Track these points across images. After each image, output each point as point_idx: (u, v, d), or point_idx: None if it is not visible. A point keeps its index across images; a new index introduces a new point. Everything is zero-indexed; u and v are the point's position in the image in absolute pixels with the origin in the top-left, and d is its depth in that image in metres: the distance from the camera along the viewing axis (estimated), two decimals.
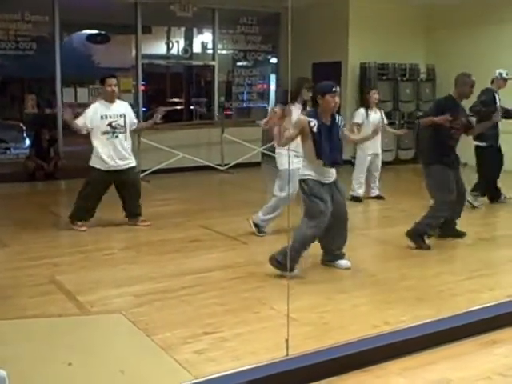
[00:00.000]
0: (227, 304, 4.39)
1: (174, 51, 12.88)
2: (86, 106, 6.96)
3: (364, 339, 3.63)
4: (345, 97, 11.99)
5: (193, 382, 3.19)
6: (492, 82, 8.07)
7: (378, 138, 8.24)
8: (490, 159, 7.90)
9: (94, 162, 6.57)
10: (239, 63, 12.93)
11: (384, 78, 11.92)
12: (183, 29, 13.17)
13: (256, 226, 6.32)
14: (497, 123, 7.57)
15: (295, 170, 5.27)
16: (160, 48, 12.87)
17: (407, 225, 5.94)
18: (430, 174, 5.96)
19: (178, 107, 13.85)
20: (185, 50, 12.78)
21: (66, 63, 10.94)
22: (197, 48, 13.07)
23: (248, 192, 9.13)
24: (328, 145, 4.91)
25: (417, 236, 5.86)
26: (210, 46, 12.61)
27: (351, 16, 11.73)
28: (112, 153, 6.50)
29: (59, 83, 10.79)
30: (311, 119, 4.91)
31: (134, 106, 11.40)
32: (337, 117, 5.08)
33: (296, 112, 5.92)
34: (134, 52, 11.57)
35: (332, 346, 3.54)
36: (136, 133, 7.19)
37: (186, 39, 13.10)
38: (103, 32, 12.44)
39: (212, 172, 10.80)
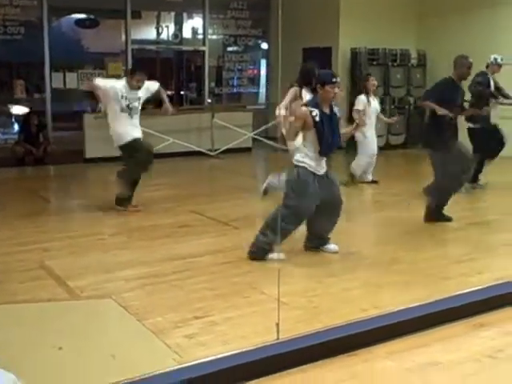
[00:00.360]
0: (217, 288, 4.40)
1: (164, 36, 12.80)
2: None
3: (353, 323, 3.65)
4: None
5: (183, 365, 3.21)
6: (487, 66, 8.13)
7: (373, 124, 8.32)
8: (481, 140, 7.96)
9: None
10: (230, 48, 12.87)
11: (375, 63, 11.90)
12: (173, 14, 13.07)
13: None
14: (488, 104, 7.74)
15: None
16: (150, 33, 12.78)
17: (398, 209, 5.98)
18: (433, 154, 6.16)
19: (168, 92, 13.77)
20: (175, 35, 12.70)
21: (54, 48, 10.85)
22: (187, 33, 12.98)
23: (238, 177, 9.12)
24: (329, 134, 4.94)
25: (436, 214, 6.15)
26: (200, 31, 12.53)
27: (342, 1, 11.67)
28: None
29: (48, 68, 10.71)
30: (313, 109, 4.92)
31: None
32: (334, 107, 5.11)
33: (308, 96, 6.01)
34: (123, 37, 11.47)
35: (321, 329, 3.56)
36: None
37: (176, 24, 13.01)
38: (92, 16, 12.31)
39: (202, 157, 10.77)
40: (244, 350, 3.33)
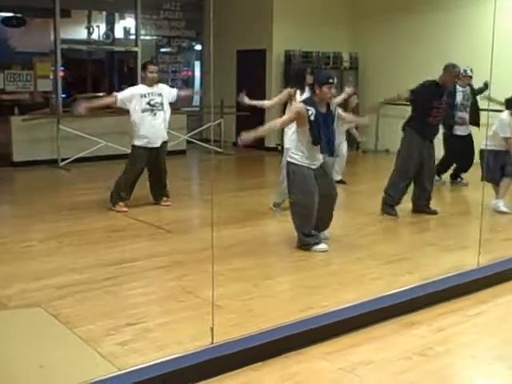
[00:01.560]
0: (151, 294, 4.34)
1: (95, 36, 12.52)
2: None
3: (288, 325, 3.66)
4: (269, 84, 12.07)
5: (116, 373, 3.13)
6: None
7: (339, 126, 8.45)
8: (449, 147, 8.60)
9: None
10: (163, 49, 12.74)
11: (308, 65, 12.02)
12: (104, 13, 12.81)
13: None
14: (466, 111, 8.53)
15: None
16: (80, 33, 12.48)
17: (338, 210, 6.03)
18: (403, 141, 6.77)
19: (100, 94, 13.50)
20: (106, 35, 12.45)
21: None
22: (119, 33, 12.75)
23: (173, 180, 8.97)
24: (324, 133, 5.11)
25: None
26: (132, 31, 12.34)
27: (275, 3, 11.77)
28: None
29: None
30: (309, 107, 5.07)
31: (53, 93, 11.05)
32: (331, 105, 5.29)
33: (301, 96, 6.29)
34: (52, 36, 11.16)
35: (257, 332, 3.55)
36: None
37: (107, 24, 12.76)
38: (19, 15, 11.92)
39: None
40: (179, 355, 3.29)
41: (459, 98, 8.60)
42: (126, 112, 6.92)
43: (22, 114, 10.28)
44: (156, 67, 7.02)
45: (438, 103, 6.72)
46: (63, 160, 9.91)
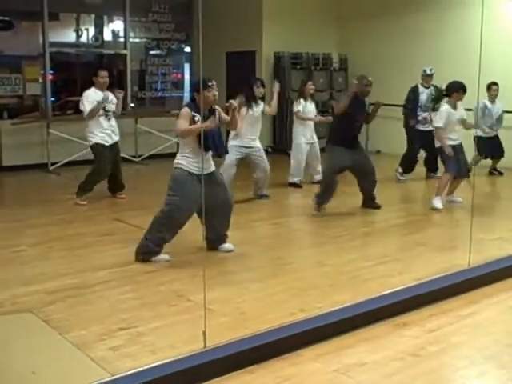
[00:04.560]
0: (143, 298, 4.32)
1: (83, 39, 12.46)
2: None
3: (280, 327, 3.65)
4: None
5: (108, 379, 3.12)
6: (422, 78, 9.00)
7: (311, 127, 8.47)
8: (411, 140, 9.00)
9: None
10: (152, 52, 12.70)
11: (298, 67, 12.06)
12: (93, 16, 12.76)
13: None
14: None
15: None
16: (69, 36, 12.40)
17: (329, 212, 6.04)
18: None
19: None
20: (95, 38, 12.39)
21: None
22: (108, 36, 12.70)
23: (162, 183, 8.94)
24: (213, 135, 5.03)
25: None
26: (121, 34, 12.29)
27: (265, 5, 11.77)
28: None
29: None
30: (195, 114, 4.97)
31: (42, 96, 11.00)
32: (216, 108, 5.17)
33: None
34: (41, 39, 11.10)
35: (249, 335, 3.55)
36: None
37: (96, 27, 12.69)
38: (7, 18, 11.85)
39: (126, 163, 10.52)
40: (171, 359, 3.27)
41: (423, 98, 8.89)
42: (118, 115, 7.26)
43: (11, 117, 10.23)
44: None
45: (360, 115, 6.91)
46: (53, 164, 9.86)
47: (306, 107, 8.50)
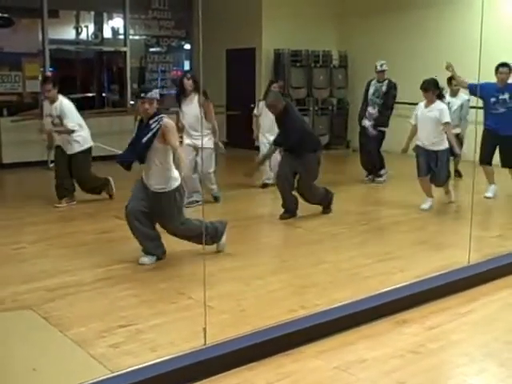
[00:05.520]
0: (143, 295, 4.33)
1: (83, 36, 12.45)
2: None
3: (281, 324, 3.66)
4: (259, 83, 12.05)
5: (109, 376, 3.12)
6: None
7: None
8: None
9: None
10: (152, 49, 12.69)
11: (298, 64, 12.04)
12: (93, 13, 12.74)
13: None
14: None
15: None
16: (69, 33, 12.39)
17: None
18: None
19: (89, 94, 13.44)
20: (95, 35, 12.38)
21: None
22: (107, 33, 12.69)
23: None
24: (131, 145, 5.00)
25: None
26: (121, 31, 12.28)
27: (264, 2, 11.75)
28: None
29: None
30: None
31: (41, 93, 10.96)
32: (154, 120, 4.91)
33: None
34: (40, 36, 11.09)
35: (249, 332, 3.55)
36: None
37: (95, 24, 12.68)
38: (6, 15, 11.83)
39: None
40: (171, 356, 3.28)
41: (370, 92, 8.64)
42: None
43: (11, 115, 10.21)
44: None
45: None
46: (53, 161, 9.83)
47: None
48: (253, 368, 3.32)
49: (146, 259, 5.02)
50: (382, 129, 8.61)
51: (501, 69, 7.45)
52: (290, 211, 6.55)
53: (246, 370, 3.30)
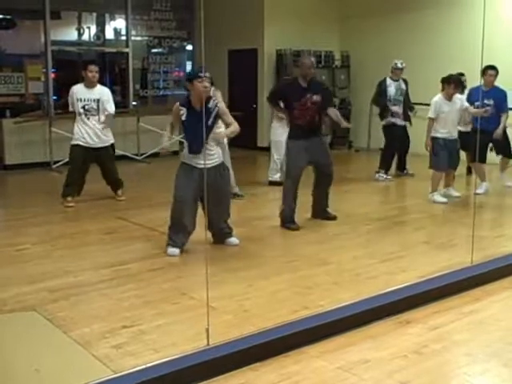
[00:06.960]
0: (146, 296, 4.32)
1: (85, 37, 12.47)
2: None
3: (284, 325, 3.65)
4: (261, 83, 12.07)
5: (112, 376, 3.12)
6: (391, 71, 8.93)
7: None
8: (388, 137, 8.91)
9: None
10: (154, 50, 12.70)
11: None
12: (95, 14, 12.77)
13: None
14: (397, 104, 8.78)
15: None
16: (71, 34, 12.42)
17: (331, 209, 6.01)
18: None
19: None
20: (97, 37, 12.41)
21: None
22: (110, 34, 12.71)
23: (165, 181, 8.92)
24: (195, 132, 5.01)
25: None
26: (123, 32, 12.30)
27: (266, 2, 11.76)
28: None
29: None
30: (181, 107, 5.13)
31: (44, 95, 11.01)
32: (211, 102, 5.15)
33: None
34: (42, 38, 11.11)
35: (252, 333, 3.55)
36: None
37: (98, 25, 12.71)
38: (9, 17, 11.86)
39: (128, 162, 10.58)
40: (174, 357, 3.28)
41: (391, 91, 8.81)
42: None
43: (14, 116, 10.23)
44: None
45: (301, 102, 6.14)
46: (55, 162, 9.86)
47: None
48: (256, 368, 3.31)
49: (177, 251, 5.21)
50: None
51: (490, 71, 7.62)
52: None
53: (248, 370, 3.29)
